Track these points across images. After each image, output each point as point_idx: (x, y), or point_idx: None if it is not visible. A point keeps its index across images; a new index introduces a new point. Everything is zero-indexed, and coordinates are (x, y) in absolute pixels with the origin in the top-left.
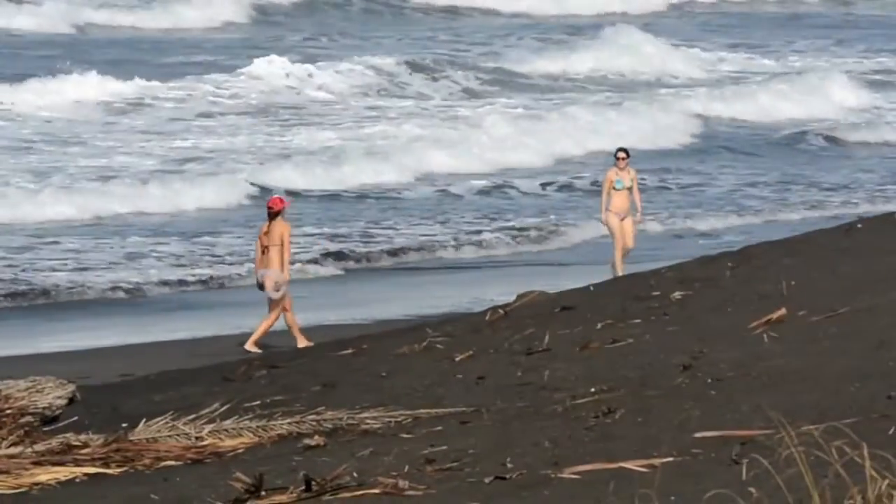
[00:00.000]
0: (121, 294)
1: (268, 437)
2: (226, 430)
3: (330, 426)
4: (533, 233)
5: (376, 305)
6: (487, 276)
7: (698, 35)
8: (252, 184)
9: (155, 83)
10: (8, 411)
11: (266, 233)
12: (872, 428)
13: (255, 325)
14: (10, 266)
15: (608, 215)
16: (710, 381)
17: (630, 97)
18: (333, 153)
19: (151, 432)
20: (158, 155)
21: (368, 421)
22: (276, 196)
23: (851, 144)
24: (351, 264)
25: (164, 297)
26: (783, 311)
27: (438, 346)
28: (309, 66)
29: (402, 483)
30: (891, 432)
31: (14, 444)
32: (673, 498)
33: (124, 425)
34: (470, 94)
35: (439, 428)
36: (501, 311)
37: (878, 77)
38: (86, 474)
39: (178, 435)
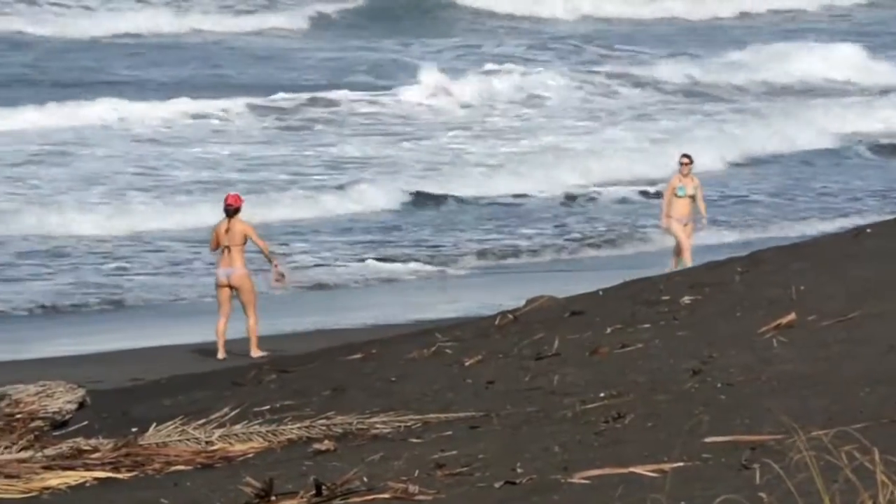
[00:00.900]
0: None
1: (278, 442)
2: (236, 434)
3: (340, 431)
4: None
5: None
6: (500, 282)
7: None
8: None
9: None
10: (18, 416)
11: (226, 231)
12: (883, 433)
13: (244, 332)
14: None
15: (669, 221)
16: (719, 385)
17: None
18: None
19: (161, 437)
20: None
21: (378, 426)
22: (233, 193)
23: None
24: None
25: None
26: (793, 315)
27: (448, 350)
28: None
29: (412, 488)
30: None
31: (24, 448)
32: (683, 503)
33: (134, 430)
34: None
35: (449, 433)
36: (511, 316)
37: None
38: (96, 479)
39: (188, 439)
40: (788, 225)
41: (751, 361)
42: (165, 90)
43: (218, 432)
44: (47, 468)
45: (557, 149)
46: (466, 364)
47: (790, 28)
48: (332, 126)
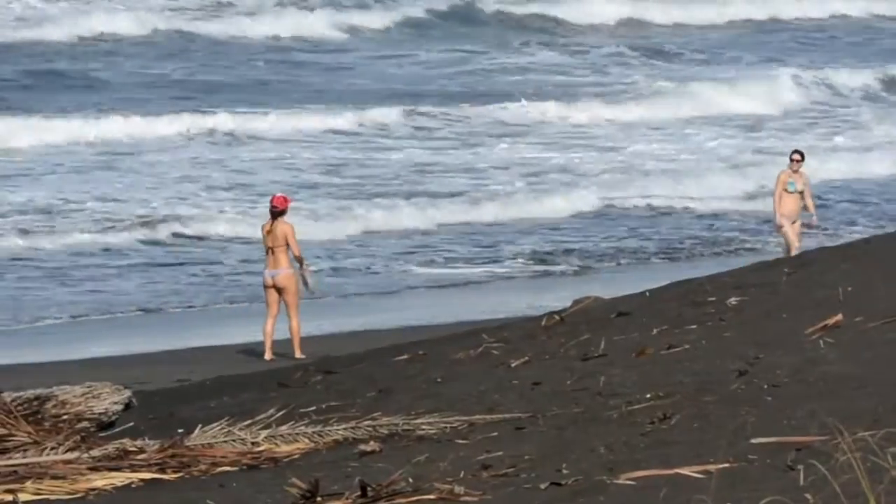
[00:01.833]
0: None
1: (323, 443)
2: (281, 435)
3: (385, 432)
4: None
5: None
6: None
7: None
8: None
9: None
10: (64, 417)
11: (269, 232)
12: None
13: (288, 334)
14: None
15: (782, 219)
16: (766, 386)
17: None
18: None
19: (207, 438)
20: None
21: (424, 427)
22: (279, 195)
23: None
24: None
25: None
26: (839, 316)
27: (494, 351)
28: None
29: (457, 489)
30: None
31: (70, 449)
32: None
33: (180, 431)
34: None
35: (495, 434)
36: (557, 317)
37: None
38: (142, 480)
39: (233, 440)
40: None
41: (797, 362)
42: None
43: (264, 433)
44: (93, 469)
45: None
46: (513, 365)
47: None
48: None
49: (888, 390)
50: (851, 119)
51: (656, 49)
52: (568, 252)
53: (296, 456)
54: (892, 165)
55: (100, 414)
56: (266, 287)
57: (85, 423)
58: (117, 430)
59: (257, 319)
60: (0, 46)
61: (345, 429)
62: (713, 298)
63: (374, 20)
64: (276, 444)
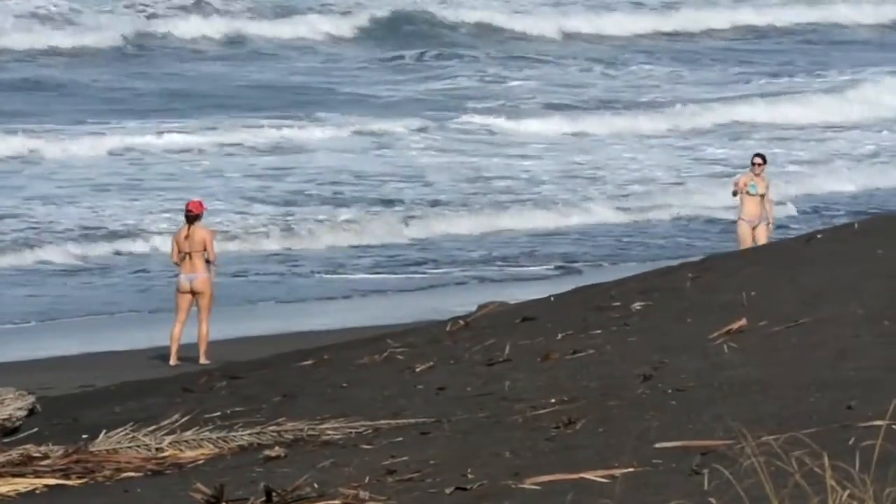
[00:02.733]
0: None
1: (228, 449)
2: (186, 441)
3: (290, 437)
4: None
5: None
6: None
7: None
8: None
9: None
10: None
11: (186, 237)
12: (833, 438)
13: (196, 338)
14: None
15: (739, 224)
16: (670, 391)
17: None
18: None
19: (112, 443)
20: None
21: (329, 432)
22: (196, 200)
23: None
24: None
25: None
26: (744, 321)
27: (399, 356)
28: None
29: (362, 494)
30: (851, 442)
31: None
32: None
33: (85, 436)
34: None
35: (400, 439)
36: (462, 322)
37: None
38: (46, 486)
39: (138, 446)
40: None
41: (702, 367)
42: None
43: (168, 439)
44: None
45: None
46: (417, 370)
47: None
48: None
49: (792, 394)
50: None
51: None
52: None
53: (201, 461)
54: None
55: (3, 420)
56: (181, 291)
57: None
58: (21, 435)
59: (161, 325)
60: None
61: (250, 434)
62: (618, 303)
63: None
64: (180, 449)
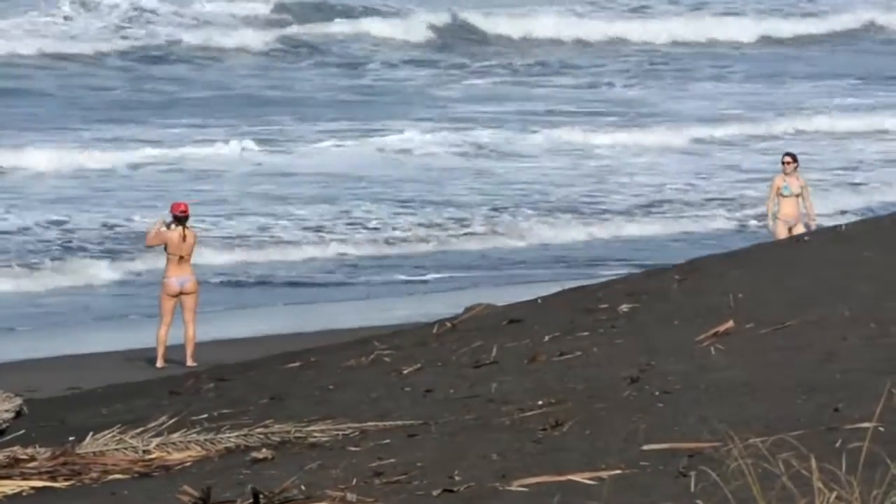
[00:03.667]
0: None
1: (215, 451)
2: (173, 443)
3: (278, 439)
4: None
5: None
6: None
7: None
8: None
9: None
10: None
11: (184, 240)
12: (819, 440)
13: (182, 340)
14: None
15: (776, 224)
16: (657, 393)
17: None
18: None
19: (99, 445)
20: None
21: (316, 434)
22: (182, 202)
23: None
24: None
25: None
26: (731, 323)
27: (386, 359)
28: None
29: (350, 496)
30: (838, 445)
31: None
32: None
33: (71, 438)
34: None
35: (387, 441)
36: (449, 324)
37: None
38: (33, 488)
39: (125, 448)
40: None
41: (689, 369)
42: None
43: (155, 441)
44: None
45: None
46: (404, 372)
47: None
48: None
49: (779, 396)
50: None
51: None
52: None
53: (188, 463)
54: None
55: None
56: (170, 294)
57: None
58: (8, 437)
59: (146, 327)
60: None
61: (237, 436)
62: (605, 305)
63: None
64: (167, 451)
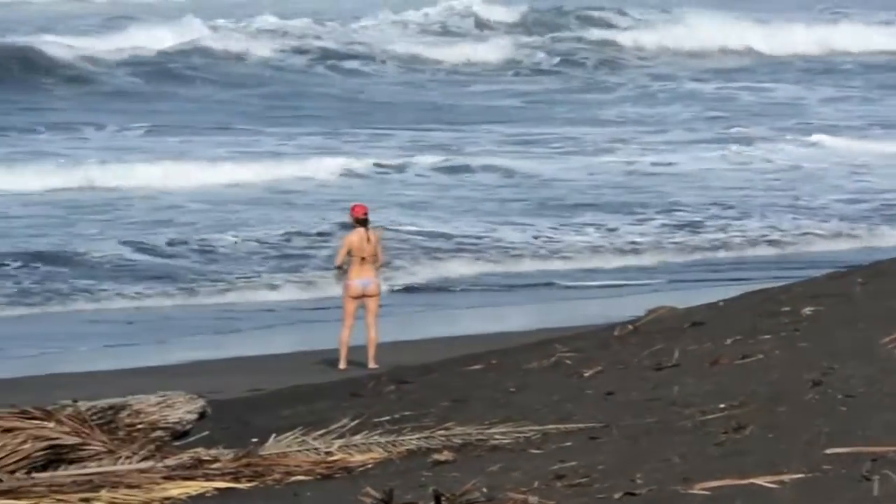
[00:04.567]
0: None
1: (397, 453)
2: (355, 445)
3: (459, 441)
4: None
5: None
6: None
7: None
8: None
9: None
10: (139, 426)
11: (368, 241)
12: None
13: (366, 341)
14: None
15: None
16: (840, 396)
17: None
18: None
19: (281, 447)
20: None
21: (498, 436)
22: (359, 203)
23: None
24: None
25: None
26: None
27: (567, 361)
28: None
29: (531, 499)
30: None
31: (145, 458)
32: None
33: (254, 440)
34: None
35: (568, 443)
36: (630, 327)
37: None
38: (216, 489)
39: (307, 450)
40: None
41: (872, 373)
42: None
43: (338, 443)
44: (168, 478)
45: None
46: (586, 374)
47: None
48: None
49: None
50: None
51: None
52: None
53: (369, 465)
54: None
55: (174, 423)
56: (353, 296)
57: (159, 433)
58: (191, 439)
59: (329, 328)
60: None
61: (418, 438)
62: (787, 308)
63: None
64: (349, 453)
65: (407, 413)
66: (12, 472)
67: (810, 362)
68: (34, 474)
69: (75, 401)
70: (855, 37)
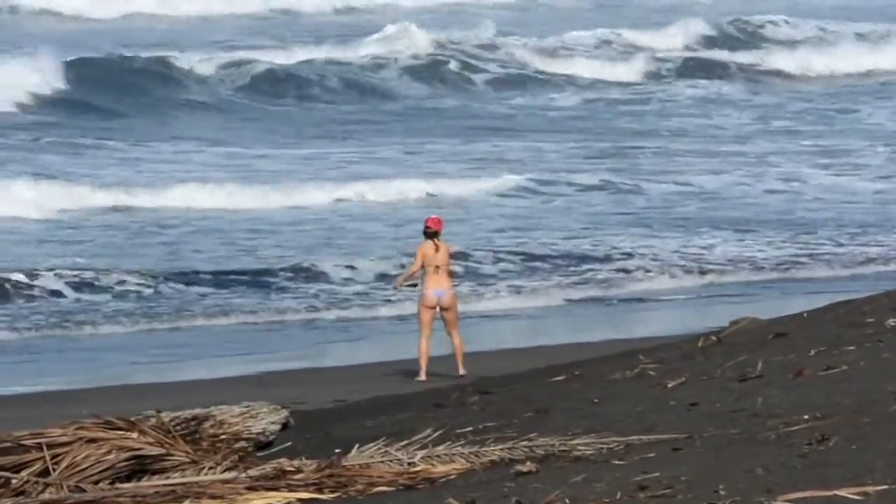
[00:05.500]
0: None
1: (480, 464)
2: (438, 455)
3: (542, 452)
4: None
5: None
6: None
7: None
8: None
9: None
10: (222, 436)
11: (437, 250)
12: None
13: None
14: None
15: None
16: None
17: None
18: None
19: (364, 458)
20: None
21: (580, 447)
22: (434, 216)
23: None
24: None
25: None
26: None
27: (650, 372)
28: None
29: None
30: None
31: (228, 469)
32: None
33: (337, 451)
34: None
35: (651, 454)
36: (714, 338)
37: None
38: (299, 500)
39: (390, 461)
40: None
41: None
42: None
43: (420, 453)
44: (251, 489)
45: None
46: (669, 386)
47: None
48: None
49: None
50: None
51: None
52: None
53: (452, 476)
54: None
55: (257, 434)
56: (428, 307)
57: (242, 443)
58: (275, 449)
59: (409, 338)
60: None
61: (501, 449)
62: (871, 319)
63: None
64: (432, 464)
65: (490, 424)
66: (96, 482)
67: (894, 373)
68: (118, 485)
69: (159, 411)
70: None
